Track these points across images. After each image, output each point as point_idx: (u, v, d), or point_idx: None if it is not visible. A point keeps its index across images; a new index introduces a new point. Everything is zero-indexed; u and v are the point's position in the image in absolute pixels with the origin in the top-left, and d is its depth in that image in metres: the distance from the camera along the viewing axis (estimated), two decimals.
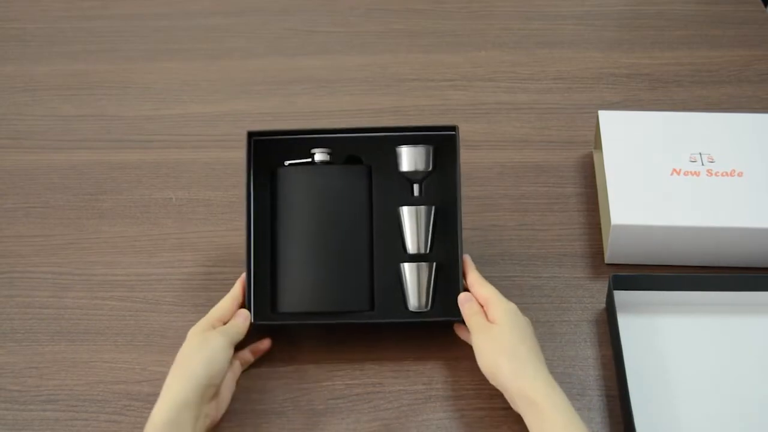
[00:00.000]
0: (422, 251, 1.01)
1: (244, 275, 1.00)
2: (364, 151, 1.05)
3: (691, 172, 1.09)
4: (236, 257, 1.11)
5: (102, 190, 1.20)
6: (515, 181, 1.20)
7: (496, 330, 0.92)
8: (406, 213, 1.02)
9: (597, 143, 1.18)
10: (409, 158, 1.03)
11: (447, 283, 1.00)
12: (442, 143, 1.04)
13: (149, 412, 0.94)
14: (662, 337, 1.00)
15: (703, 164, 1.09)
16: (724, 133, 1.14)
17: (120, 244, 1.13)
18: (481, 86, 1.36)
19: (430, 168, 1.03)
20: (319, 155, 1.03)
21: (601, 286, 1.06)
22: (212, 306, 1.04)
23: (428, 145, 1.03)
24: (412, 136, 1.04)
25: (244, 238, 1.01)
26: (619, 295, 1.00)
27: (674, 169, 1.09)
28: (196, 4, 1.55)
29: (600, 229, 1.13)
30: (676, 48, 1.42)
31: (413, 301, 1.00)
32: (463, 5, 1.53)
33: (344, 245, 1.02)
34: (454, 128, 1.03)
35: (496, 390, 0.92)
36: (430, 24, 1.49)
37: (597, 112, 1.18)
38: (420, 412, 0.96)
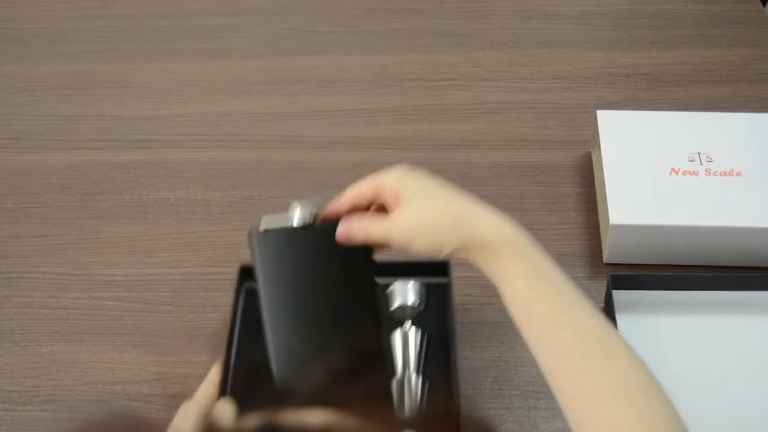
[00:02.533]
0: (413, 372, 0.93)
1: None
2: None
3: (689, 172, 1.09)
4: (235, 257, 1.10)
5: (101, 190, 1.20)
6: (514, 180, 1.20)
7: (406, 209, 0.76)
8: (398, 334, 0.95)
9: (595, 143, 1.18)
10: (401, 294, 0.97)
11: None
12: (434, 279, 1.00)
13: (147, 413, 0.95)
14: (661, 337, 1.00)
15: (701, 164, 1.09)
16: (723, 132, 1.14)
17: (118, 244, 1.13)
18: (480, 86, 1.36)
19: (423, 306, 0.98)
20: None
21: (600, 286, 1.06)
22: (211, 306, 1.05)
23: (420, 281, 0.99)
24: (405, 270, 0.99)
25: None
26: (618, 295, 1.00)
27: (673, 169, 1.09)
28: (196, 4, 1.55)
29: (598, 228, 1.13)
30: (675, 48, 1.42)
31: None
32: (463, 5, 1.53)
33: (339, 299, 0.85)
34: (446, 265, 0.98)
35: (497, 391, 0.92)
36: (429, 24, 1.49)
37: (596, 112, 1.18)
38: None
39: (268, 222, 0.83)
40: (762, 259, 1.06)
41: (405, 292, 0.98)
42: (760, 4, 1.49)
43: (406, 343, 0.95)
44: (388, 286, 0.99)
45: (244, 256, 1.09)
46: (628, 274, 1.02)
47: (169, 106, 1.34)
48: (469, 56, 1.42)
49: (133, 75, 1.40)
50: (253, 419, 0.64)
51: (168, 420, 0.94)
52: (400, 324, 0.97)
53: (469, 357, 0.99)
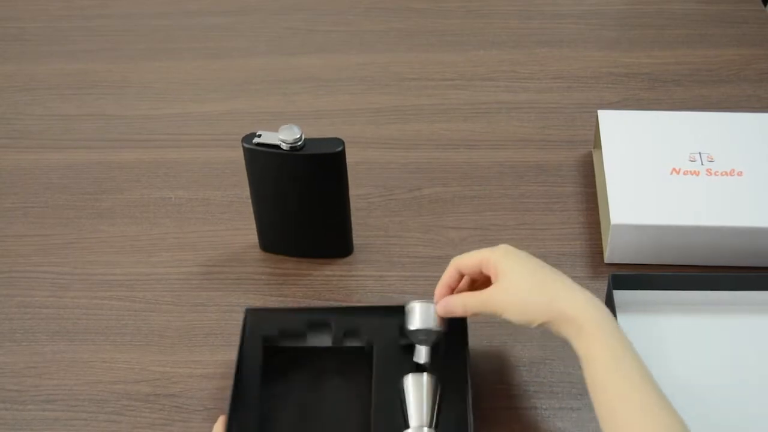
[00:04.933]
0: (426, 424, 0.88)
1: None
2: (362, 324, 0.96)
3: (690, 172, 1.09)
4: (236, 257, 1.11)
5: (101, 190, 1.20)
6: (515, 180, 1.19)
7: (503, 283, 0.85)
8: (411, 381, 0.90)
9: (596, 142, 1.18)
10: (422, 316, 0.90)
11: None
12: (448, 320, 0.93)
13: (148, 412, 0.95)
14: (662, 337, 1.00)
15: (702, 164, 1.09)
16: (724, 132, 1.14)
17: (119, 244, 1.13)
18: (481, 85, 1.36)
19: (443, 328, 0.91)
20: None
21: (601, 286, 1.05)
22: (212, 306, 1.05)
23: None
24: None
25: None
26: (619, 295, 1.00)
27: (674, 169, 1.09)
28: (196, 4, 1.55)
29: (599, 228, 1.12)
30: (676, 47, 1.42)
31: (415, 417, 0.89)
32: (463, 4, 1.53)
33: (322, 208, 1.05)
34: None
35: (497, 391, 0.92)
36: (429, 23, 1.49)
37: (596, 112, 1.18)
38: None
39: (261, 137, 0.99)
40: (762, 259, 1.06)
41: (428, 315, 0.91)
42: (761, 4, 1.49)
43: (419, 394, 0.89)
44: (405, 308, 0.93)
45: (244, 256, 1.10)
46: (628, 273, 1.02)
47: (169, 105, 1.34)
48: (470, 56, 1.42)
49: (133, 74, 1.40)
50: None
51: (169, 420, 0.95)
52: (414, 364, 0.92)
53: (488, 354, 0.99)
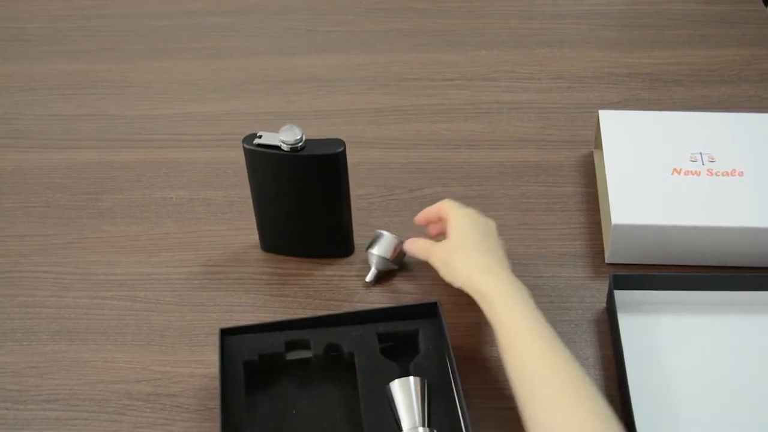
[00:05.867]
0: (419, 424, 0.88)
1: None
2: (341, 336, 0.96)
3: (691, 172, 1.09)
4: (236, 256, 1.11)
5: (102, 190, 1.20)
6: (515, 180, 1.20)
7: (447, 243, 0.98)
8: (397, 386, 0.91)
9: (597, 143, 1.18)
10: (383, 244, 1.06)
11: None
12: (424, 321, 0.98)
13: (149, 412, 0.95)
14: (662, 337, 1.00)
15: (703, 164, 1.09)
16: (725, 132, 1.14)
17: (120, 244, 1.13)
18: (481, 85, 1.36)
19: (395, 261, 1.06)
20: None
21: (602, 286, 1.06)
22: (213, 305, 1.05)
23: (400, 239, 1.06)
24: (393, 314, 0.98)
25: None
26: (620, 295, 1.00)
27: (675, 169, 1.09)
28: (196, 4, 1.55)
29: (600, 228, 1.13)
30: (677, 47, 1.42)
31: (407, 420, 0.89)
32: (463, 4, 1.53)
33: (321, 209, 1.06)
34: (434, 305, 0.97)
35: (497, 391, 0.92)
36: (429, 23, 1.50)
37: (597, 112, 1.18)
38: None
39: (262, 138, 0.99)
40: (762, 259, 1.06)
41: (387, 246, 1.05)
42: (761, 4, 1.49)
43: (407, 397, 0.90)
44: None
45: (245, 256, 1.10)
46: (629, 273, 1.02)
47: (169, 105, 1.34)
48: (470, 56, 1.42)
49: (133, 74, 1.40)
50: None
51: (170, 420, 0.95)
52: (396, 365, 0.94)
53: (469, 357, 0.99)
